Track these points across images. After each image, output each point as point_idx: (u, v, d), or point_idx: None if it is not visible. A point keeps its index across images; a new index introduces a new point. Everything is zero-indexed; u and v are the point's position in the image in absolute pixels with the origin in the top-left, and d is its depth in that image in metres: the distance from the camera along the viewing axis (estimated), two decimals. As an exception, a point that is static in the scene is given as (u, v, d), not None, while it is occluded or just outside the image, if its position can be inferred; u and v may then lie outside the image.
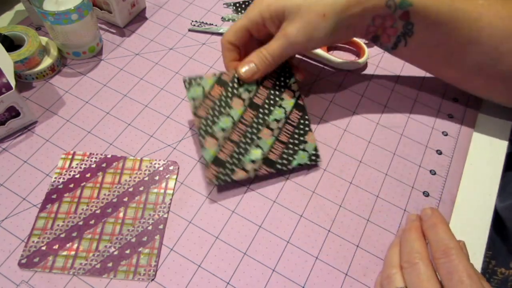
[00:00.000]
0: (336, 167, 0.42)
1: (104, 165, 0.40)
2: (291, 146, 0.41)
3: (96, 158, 0.41)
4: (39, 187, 0.39)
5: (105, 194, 0.39)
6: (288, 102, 0.42)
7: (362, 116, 0.46)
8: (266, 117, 0.41)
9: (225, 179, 0.38)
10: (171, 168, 0.41)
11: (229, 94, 0.41)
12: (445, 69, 0.43)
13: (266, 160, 0.40)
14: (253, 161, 0.39)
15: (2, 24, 0.51)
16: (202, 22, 0.54)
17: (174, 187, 0.40)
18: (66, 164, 0.40)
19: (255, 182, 0.40)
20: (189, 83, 0.40)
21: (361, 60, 0.50)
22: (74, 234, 0.36)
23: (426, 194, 0.41)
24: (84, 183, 0.39)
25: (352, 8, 0.37)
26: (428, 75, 0.51)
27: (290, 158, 0.40)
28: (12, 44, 0.45)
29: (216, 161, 0.38)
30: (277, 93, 0.42)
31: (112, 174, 0.40)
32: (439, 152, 0.44)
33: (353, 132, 0.45)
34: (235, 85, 0.41)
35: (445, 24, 0.39)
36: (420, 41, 0.40)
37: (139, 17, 0.54)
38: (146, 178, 0.40)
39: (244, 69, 0.40)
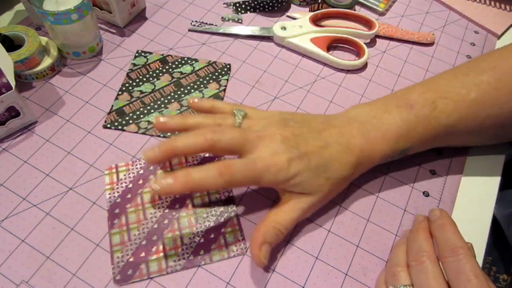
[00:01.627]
0: (336, 167, 0.42)
1: (151, 168, 0.40)
2: None
3: (140, 164, 0.41)
4: (39, 187, 0.39)
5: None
6: (210, 91, 0.48)
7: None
8: (182, 95, 0.47)
9: (117, 126, 0.44)
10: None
11: (164, 70, 0.49)
12: None
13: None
14: (149, 122, 0.44)
15: (2, 24, 0.51)
16: (202, 22, 0.54)
17: None
18: (113, 178, 0.40)
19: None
20: (138, 54, 0.49)
21: (361, 60, 0.50)
22: (155, 238, 0.36)
23: (426, 194, 0.41)
24: (141, 190, 0.39)
25: (355, 172, 0.38)
26: (428, 76, 0.52)
27: None
28: (12, 44, 0.45)
29: (119, 111, 0.45)
30: (204, 81, 0.48)
31: (164, 173, 0.40)
32: (439, 152, 0.44)
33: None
34: (173, 65, 0.49)
35: (443, 139, 0.40)
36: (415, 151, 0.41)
37: (139, 17, 0.54)
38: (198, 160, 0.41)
39: (261, 255, 0.33)
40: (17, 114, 0.41)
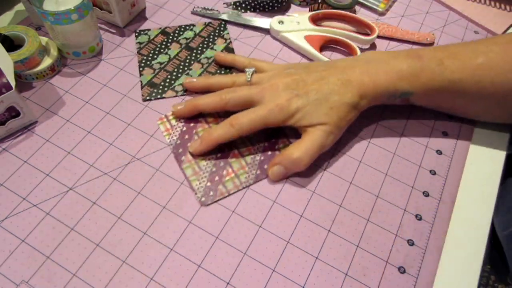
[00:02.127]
0: (336, 167, 0.42)
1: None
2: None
3: None
4: (39, 187, 0.39)
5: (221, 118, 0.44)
6: (220, 46, 0.52)
7: (362, 116, 0.46)
8: (198, 55, 0.51)
9: (155, 96, 0.47)
10: None
11: (169, 40, 0.52)
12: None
13: None
14: (182, 85, 0.48)
15: (2, 24, 0.51)
16: (205, 8, 0.56)
17: None
18: (167, 125, 0.44)
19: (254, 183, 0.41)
20: (138, 33, 0.52)
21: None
22: (222, 164, 0.41)
23: (426, 194, 0.41)
24: (195, 130, 0.44)
25: (361, 101, 0.41)
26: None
27: None
28: (12, 44, 0.45)
29: (150, 83, 0.48)
30: (210, 39, 0.52)
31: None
32: (439, 152, 0.44)
33: (353, 132, 0.45)
34: (176, 35, 0.53)
35: (446, 96, 0.42)
36: (420, 102, 0.44)
37: (139, 17, 0.54)
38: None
39: (271, 171, 0.41)
40: (17, 114, 0.41)
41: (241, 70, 0.48)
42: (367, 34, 0.54)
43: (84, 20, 0.45)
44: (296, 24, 0.53)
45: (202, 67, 0.50)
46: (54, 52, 0.47)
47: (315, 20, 0.55)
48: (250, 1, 0.56)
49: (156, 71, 0.49)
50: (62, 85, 0.47)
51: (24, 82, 0.46)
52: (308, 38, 0.52)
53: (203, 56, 0.51)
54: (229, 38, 0.53)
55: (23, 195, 0.39)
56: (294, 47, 0.53)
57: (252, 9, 0.57)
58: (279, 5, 0.56)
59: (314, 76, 0.41)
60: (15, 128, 0.42)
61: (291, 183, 0.41)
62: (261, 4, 0.56)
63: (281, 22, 0.53)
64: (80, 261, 0.35)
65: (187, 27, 0.54)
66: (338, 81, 0.40)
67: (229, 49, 0.52)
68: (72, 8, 0.43)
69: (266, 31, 0.55)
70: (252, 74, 0.44)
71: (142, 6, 0.55)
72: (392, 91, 0.41)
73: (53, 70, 0.47)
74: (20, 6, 0.54)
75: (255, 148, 0.43)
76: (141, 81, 0.48)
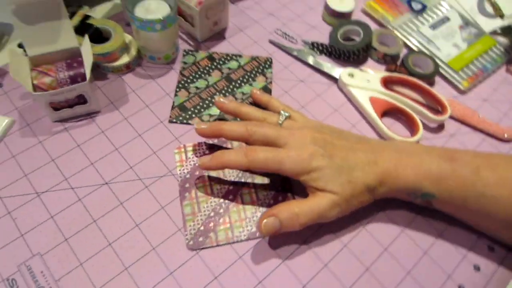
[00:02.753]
0: (357, 246, 0.41)
1: (215, 148, 0.46)
2: None
3: (206, 144, 0.46)
4: (82, 173, 0.43)
5: (229, 172, 0.44)
6: (259, 83, 0.51)
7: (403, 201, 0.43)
8: (235, 89, 0.51)
9: (182, 120, 0.47)
10: None
11: (213, 67, 0.52)
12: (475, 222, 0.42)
13: (221, 118, 0.48)
14: (210, 115, 0.48)
15: (100, 12, 0.57)
16: (286, 34, 0.57)
17: None
18: (182, 156, 0.45)
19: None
20: (186, 53, 0.54)
21: (412, 139, 0.48)
22: (221, 211, 0.41)
23: (476, 268, 0.40)
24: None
25: (379, 188, 0.39)
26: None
27: None
28: (100, 36, 0.50)
29: (181, 107, 0.48)
30: (252, 75, 0.52)
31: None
32: (477, 268, 0.40)
33: (388, 215, 0.43)
34: (220, 62, 0.53)
35: (474, 210, 0.38)
36: (443, 208, 0.41)
37: (218, 35, 0.57)
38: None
39: (266, 221, 0.37)
40: (85, 101, 0.45)
41: None
42: (438, 112, 0.51)
43: (166, 31, 0.48)
44: (365, 82, 0.52)
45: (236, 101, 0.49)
46: (133, 51, 0.51)
47: (387, 82, 0.53)
48: (328, 46, 0.56)
49: (191, 95, 0.50)
50: (131, 83, 0.51)
51: (101, 72, 0.51)
52: (373, 100, 0.50)
53: (239, 90, 0.51)
54: (271, 78, 0.53)
55: (67, 175, 0.43)
56: (357, 105, 0.51)
57: (328, 54, 0.56)
58: (356, 57, 0.55)
59: (345, 144, 0.40)
60: (80, 113, 0.46)
61: (305, 248, 0.40)
62: (339, 52, 0.55)
63: (351, 75, 0.52)
64: (90, 253, 0.38)
65: (234, 57, 0.54)
66: (366, 159, 0.39)
67: (266, 89, 0.51)
68: (159, 18, 0.46)
69: (333, 80, 0.54)
70: (285, 119, 0.43)
71: (224, 25, 0.57)
72: (413, 189, 0.39)
73: (128, 67, 0.51)
74: (118, 0, 0.59)
75: (260, 201, 0.42)
76: (173, 102, 0.49)
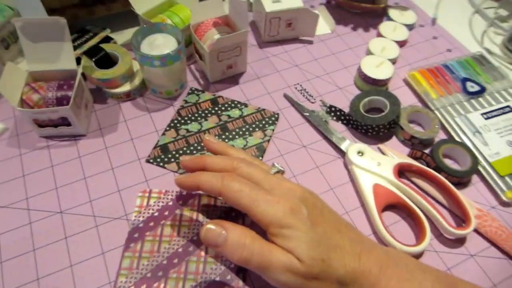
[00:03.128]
0: None
1: (180, 202, 0.42)
2: None
3: (172, 195, 0.42)
4: (43, 196, 0.42)
5: (185, 232, 0.40)
6: (254, 139, 0.47)
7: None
8: (226, 140, 0.47)
9: (159, 162, 0.45)
10: None
11: (212, 111, 0.49)
12: None
13: None
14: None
15: (126, 36, 0.57)
16: (304, 89, 0.52)
17: None
18: (144, 202, 0.42)
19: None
20: (192, 91, 0.51)
21: (417, 248, 0.39)
22: (160, 274, 0.37)
23: None
24: (164, 221, 0.40)
25: (349, 286, 0.31)
26: None
27: None
28: (109, 60, 0.50)
29: (164, 148, 0.46)
30: (250, 128, 0.48)
31: (190, 211, 0.41)
32: None
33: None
34: (222, 108, 0.50)
35: None
36: None
37: (232, 79, 0.53)
38: (223, 215, 0.40)
39: (213, 227, 0.32)
40: (70, 123, 0.45)
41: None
42: (460, 222, 0.41)
43: (165, 68, 0.46)
44: (375, 164, 0.44)
45: None
46: (137, 81, 0.50)
47: (403, 170, 0.45)
48: (348, 114, 0.49)
49: (178, 137, 0.47)
50: (127, 112, 0.49)
51: (102, 96, 0.50)
52: (377, 189, 0.42)
53: (230, 142, 0.47)
54: (270, 135, 0.48)
55: (29, 194, 0.42)
56: (358, 189, 0.44)
57: (345, 122, 0.49)
58: (375, 133, 0.47)
59: (334, 221, 0.33)
60: (65, 133, 0.46)
61: None
62: (357, 123, 0.48)
63: (360, 153, 0.45)
64: (14, 284, 0.37)
65: (239, 105, 0.50)
66: (350, 248, 0.32)
67: (260, 148, 0.46)
68: (157, 55, 0.44)
69: (341, 153, 0.47)
70: (277, 172, 0.36)
71: (240, 70, 0.53)
72: None
73: (128, 96, 0.50)
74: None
75: (205, 275, 0.37)
76: (158, 141, 0.47)
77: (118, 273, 0.37)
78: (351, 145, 0.46)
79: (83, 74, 0.48)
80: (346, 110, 0.50)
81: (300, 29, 0.57)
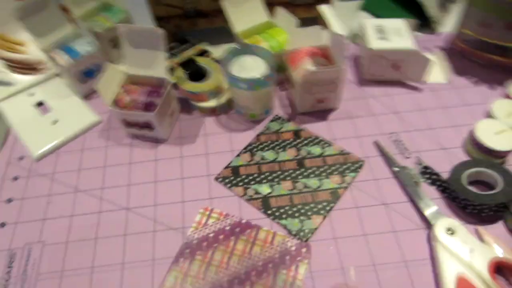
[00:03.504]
0: None
1: (237, 230, 0.41)
2: (294, 209, 0.42)
3: (231, 220, 0.41)
4: (115, 189, 0.44)
5: (234, 262, 0.39)
6: (329, 183, 0.43)
7: None
8: (300, 176, 0.44)
9: (227, 183, 0.44)
10: (303, 250, 0.39)
11: (293, 143, 0.47)
12: None
13: (265, 201, 0.42)
14: (256, 192, 0.43)
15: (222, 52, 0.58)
16: (400, 141, 0.46)
17: (304, 273, 0.37)
18: (203, 219, 0.42)
19: None
20: (275, 118, 0.50)
21: None
22: None
23: None
24: (217, 244, 0.40)
25: None
26: None
27: (284, 216, 0.41)
28: (200, 73, 0.50)
29: (235, 169, 0.45)
30: (329, 170, 0.44)
31: (244, 242, 0.40)
32: None
33: None
34: (304, 141, 0.47)
35: None
36: None
37: (321, 113, 0.50)
38: (277, 256, 0.39)
39: None
40: (153, 128, 0.47)
41: None
42: None
43: (251, 92, 0.45)
44: (466, 249, 0.36)
45: (291, 189, 0.43)
46: (224, 98, 0.50)
47: (501, 266, 0.36)
48: (445, 181, 0.42)
49: (252, 162, 0.45)
50: (209, 127, 0.50)
51: (189, 106, 0.51)
52: (461, 282, 0.35)
53: (302, 180, 0.44)
54: (348, 184, 0.43)
55: (103, 185, 0.45)
56: (437, 273, 0.36)
57: (440, 190, 0.42)
58: (476, 212, 0.39)
59: None
60: (148, 136, 0.48)
61: None
62: (454, 195, 0.40)
63: (450, 231, 0.38)
64: (72, 266, 0.39)
65: (322, 143, 0.47)
66: None
67: (335, 194, 0.42)
68: (245, 78, 0.43)
69: (426, 224, 0.40)
70: None
71: (332, 106, 0.50)
72: None
73: (213, 112, 0.50)
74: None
75: None
76: (231, 161, 0.46)
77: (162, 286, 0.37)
78: (441, 218, 0.39)
79: (175, 84, 0.49)
80: (445, 175, 0.43)
81: (408, 72, 0.52)
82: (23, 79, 0.56)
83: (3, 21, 0.56)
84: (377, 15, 0.62)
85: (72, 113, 0.51)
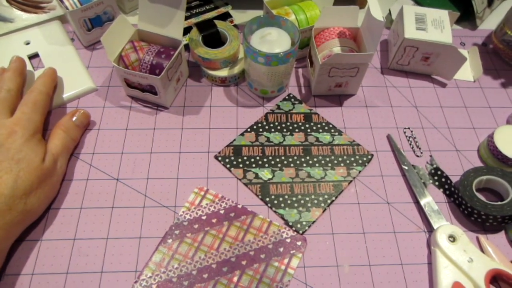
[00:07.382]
0: None
1: (232, 214, 0.41)
2: (294, 199, 0.43)
3: (226, 204, 0.42)
4: (107, 156, 0.45)
5: (225, 249, 0.39)
6: (334, 175, 0.45)
7: None
8: (304, 164, 0.45)
9: (226, 163, 0.45)
10: (298, 243, 0.40)
11: (302, 128, 0.48)
12: None
13: (264, 186, 0.43)
14: (256, 176, 0.44)
15: (246, 18, 0.57)
16: (414, 138, 0.48)
17: (297, 266, 0.39)
18: (196, 200, 0.42)
19: None
20: (289, 97, 0.50)
21: None
22: (185, 283, 0.37)
23: None
24: (208, 228, 0.41)
25: None
26: None
27: (283, 205, 0.43)
28: (218, 39, 0.50)
29: (237, 149, 0.46)
30: (335, 161, 0.46)
31: (237, 228, 0.41)
32: None
33: None
34: (314, 127, 0.48)
35: None
36: None
37: (336, 98, 0.50)
38: (270, 246, 0.40)
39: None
40: (156, 92, 0.47)
41: None
42: None
43: (268, 68, 0.45)
44: (465, 258, 0.38)
45: (293, 178, 0.44)
46: (237, 69, 0.50)
47: (497, 277, 0.39)
48: (454, 186, 0.44)
49: (256, 143, 0.46)
50: (216, 98, 0.50)
51: (200, 74, 0.52)
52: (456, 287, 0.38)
53: (306, 169, 0.45)
54: (353, 176, 0.44)
55: (95, 150, 0.45)
56: (433, 279, 0.39)
57: (447, 194, 0.44)
58: (480, 220, 0.41)
59: None
60: (149, 100, 0.48)
61: None
62: (461, 201, 0.42)
63: (452, 238, 0.40)
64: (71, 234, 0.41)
65: (332, 130, 0.48)
66: None
67: (338, 187, 0.44)
68: (263, 52, 0.44)
69: (428, 227, 0.42)
70: None
71: (350, 91, 0.51)
72: None
73: (223, 81, 0.51)
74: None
75: None
76: (234, 140, 0.46)
77: (146, 265, 0.38)
78: (444, 224, 0.41)
79: (186, 46, 0.49)
80: (455, 179, 0.45)
81: (438, 67, 0.52)
82: (26, 18, 0.54)
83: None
84: (419, 2, 0.61)
85: (68, 75, 0.50)
